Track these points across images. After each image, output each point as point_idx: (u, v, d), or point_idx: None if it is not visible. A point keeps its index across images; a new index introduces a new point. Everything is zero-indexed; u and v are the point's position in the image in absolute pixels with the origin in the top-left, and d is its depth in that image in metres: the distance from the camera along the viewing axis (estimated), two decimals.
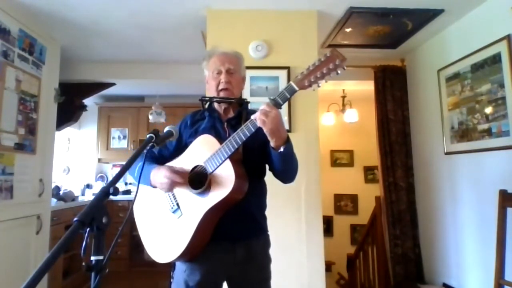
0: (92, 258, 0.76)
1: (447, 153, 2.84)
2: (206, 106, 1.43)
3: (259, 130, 1.13)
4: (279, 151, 1.16)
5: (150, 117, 4.33)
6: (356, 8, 2.51)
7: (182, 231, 1.23)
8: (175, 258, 1.24)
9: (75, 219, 0.72)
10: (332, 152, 5.08)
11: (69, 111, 3.76)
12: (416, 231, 3.21)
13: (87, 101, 4.14)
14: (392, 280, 3.13)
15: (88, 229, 0.74)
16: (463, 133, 2.65)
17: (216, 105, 1.41)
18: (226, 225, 1.24)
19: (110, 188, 0.81)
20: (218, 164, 1.19)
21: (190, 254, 1.24)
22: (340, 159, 5.10)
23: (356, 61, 3.49)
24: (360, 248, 3.73)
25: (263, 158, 1.30)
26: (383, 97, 3.37)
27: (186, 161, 1.31)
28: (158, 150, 1.42)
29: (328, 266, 4.28)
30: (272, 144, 1.15)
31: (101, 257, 0.76)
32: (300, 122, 2.47)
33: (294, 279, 2.33)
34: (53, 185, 3.20)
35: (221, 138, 1.24)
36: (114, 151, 4.70)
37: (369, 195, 4.22)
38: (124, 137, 4.75)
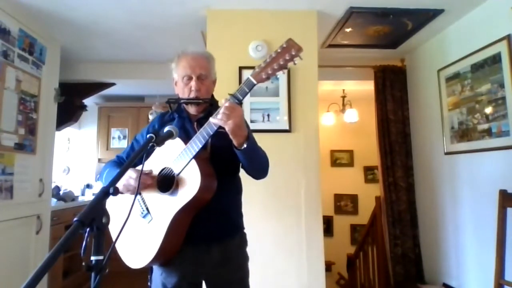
0: (92, 258, 0.76)
1: (447, 153, 2.84)
2: (175, 107, 1.40)
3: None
4: (242, 148, 1.13)
5: (150, 117, 4.32)
6: (356, 8, 2.51)
7: (153, 235, 1.21)
8: (147, 263, 1.22)
9: (75, 219, 0.71)
10: (332, 152, 5.08)
11: (69, 111, 3.76)
12: (416, 231, 3.21)
13: (87, 101, 4.14)
14: (392, 280, 3.13)
15: (88, 229, 0.74)
16: (463, 133, 2.65)
17: (184, 105, 1.37)
18: (200, 225, 1.22)
19: (110, 188, 0.81)
20: (184, 165, 1.17)
21: (163, 258, 1.22)
22: (340, 159, 5.10)
23: (356, 61, 3.49)
24: (360, 248, 3.72)
25: (234, 155, 1.26)
26: (383, 97, 3.37)
27: (153, 164, 1.28)
28: (125, 154, 1.41)
29: (328, 266, 4.28)
30: (234, 142, 1.13)
31: (101, 257, 0.76)
32: (300, 122, 2.46)
33: (294, 279, 2.33)
34: (53, 185, 3.20)
35: (190, 139, 1.20)
36: (114, 151, 4.67)
37: (369, 195, 4.22)
38: (124, 137, 4.74)
